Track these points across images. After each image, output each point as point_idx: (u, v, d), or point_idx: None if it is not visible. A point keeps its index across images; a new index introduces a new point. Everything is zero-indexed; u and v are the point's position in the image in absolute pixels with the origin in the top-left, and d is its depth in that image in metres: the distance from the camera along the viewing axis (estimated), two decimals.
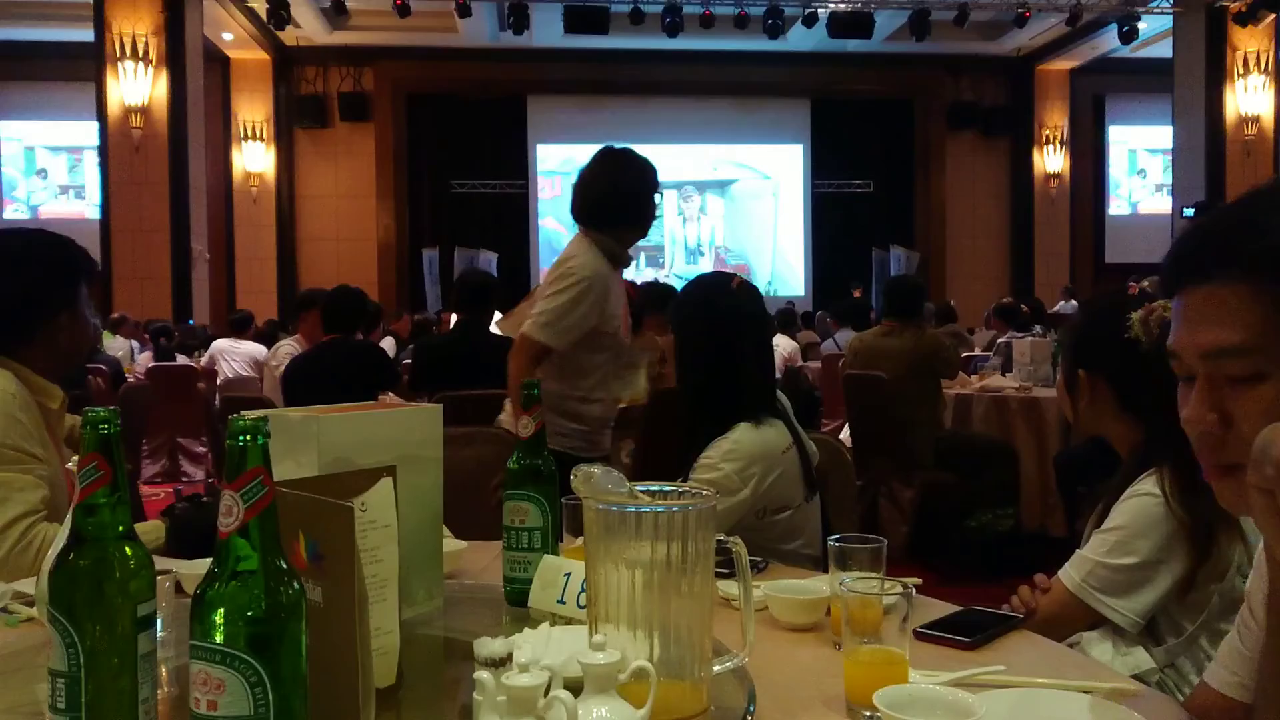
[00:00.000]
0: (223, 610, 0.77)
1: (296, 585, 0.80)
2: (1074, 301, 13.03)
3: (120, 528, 0.87)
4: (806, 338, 10.22)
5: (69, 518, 1.29)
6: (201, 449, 7.51)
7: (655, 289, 5.61)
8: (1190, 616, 1.53)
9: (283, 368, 5.60)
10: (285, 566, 0.80)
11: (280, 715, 0.77)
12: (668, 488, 1.11)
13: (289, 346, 6.00)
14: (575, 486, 1.08)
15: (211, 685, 0.76)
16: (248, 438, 0.80)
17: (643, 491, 1.08)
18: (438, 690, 1.31)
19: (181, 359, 8.15)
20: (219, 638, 0.77)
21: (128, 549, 0.87)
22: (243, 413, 0.81)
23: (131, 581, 0.86)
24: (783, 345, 7.94)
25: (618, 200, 2.68)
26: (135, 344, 9.08)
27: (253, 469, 0.79)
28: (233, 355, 7.75)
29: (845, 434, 5.39)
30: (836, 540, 1.38)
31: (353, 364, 4.46)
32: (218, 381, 7.50)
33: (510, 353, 2.65)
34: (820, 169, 15.97)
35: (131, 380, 7.40)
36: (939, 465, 4.87)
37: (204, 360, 7.97)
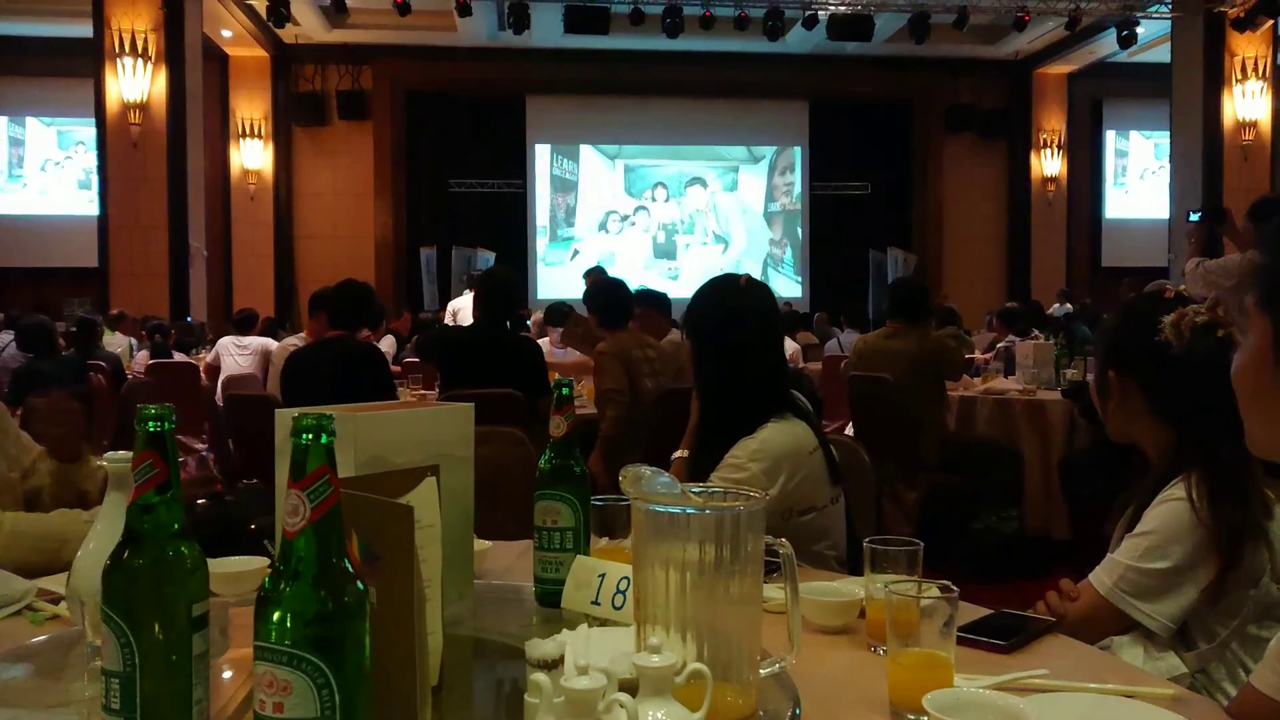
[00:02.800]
0: (290, 611, 0.76)
1: (360, 585, 0.79)
2: (1069, 305, 13.04)
3: (175, 526, 0.86)
4: (805, 339, 10.23)
5: (101, 514, 1.29)
6: (201, 446, 7.47)
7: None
8: (1223, 622, 1.53)
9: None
10: (349, 567, 0.79)
11: (345, 717, 0.76)
12: (715, 489, 1.10)
13: (294, 345, 5.95)
14: (624, 487, 1.07)
15: (278, 687, 0.75)
16: (310, 436, 0.78)
17: (692, 492, 1.07)
18: (473, 690, 1.31)
19: (179, 356, 8.12)
20: (286, 639, 0.75)
21: (183, 548, 0.86)
22: (305, 410, 0.80)
23: (188, 581, 0.85)
24: (785, 346, 7.93)
25: None
26: (134, 341, 9.05)
27: (318, 468, 0.78)
28: (239, 351, 7.72)
29: (848, 434, 5.39)
30: (872, 542, 1.37)
31: (350, 365, 4.39)
32: (220, 378, 7.47)
33: None
34: (818, 171, 15.96)
35: (131, 378, 7.37)
36: (943, 467, 4.85)
37: (209, 357, 7.93)
